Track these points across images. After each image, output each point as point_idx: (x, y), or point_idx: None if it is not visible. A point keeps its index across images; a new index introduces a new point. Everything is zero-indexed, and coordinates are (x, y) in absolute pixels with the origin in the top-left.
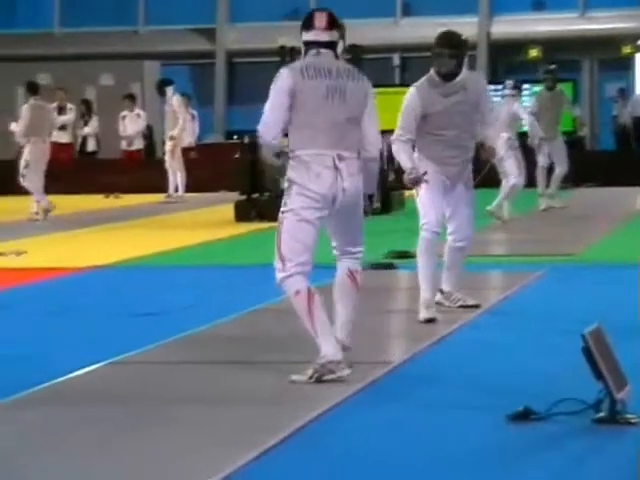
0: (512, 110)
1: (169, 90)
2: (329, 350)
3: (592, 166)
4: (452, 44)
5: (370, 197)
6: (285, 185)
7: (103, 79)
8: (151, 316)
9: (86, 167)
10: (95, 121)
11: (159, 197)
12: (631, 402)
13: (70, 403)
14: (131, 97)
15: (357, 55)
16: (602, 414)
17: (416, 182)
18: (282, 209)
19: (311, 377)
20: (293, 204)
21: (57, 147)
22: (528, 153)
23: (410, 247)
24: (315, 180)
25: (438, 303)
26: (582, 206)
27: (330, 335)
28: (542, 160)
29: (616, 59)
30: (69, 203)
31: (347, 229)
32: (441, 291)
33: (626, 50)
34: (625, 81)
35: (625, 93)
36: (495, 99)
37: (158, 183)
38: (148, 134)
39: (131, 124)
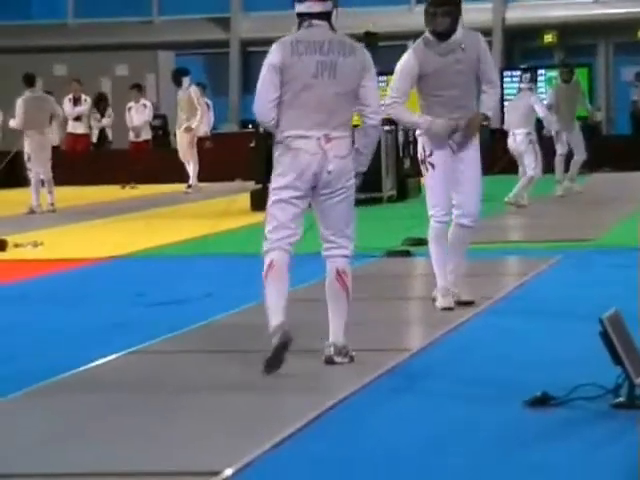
0: (529, 103)
1: (186, 80)
2: (270, 319)
3: (608, 151)
4: (445, 1)
5: (361, 174)
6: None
7: (118, 70)
8: (169, 305)
9: (102, 158)
10: (111, 112)
11: (174, 187)
12: None
13: (90, 391)
14: (138, 87)
15: (372, 42)
16: (621, 399)
17: (454, 131)
18: (270, 188)
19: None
20: (274, 183)
21: (73, 138)
22: (545, 142)
23: (426, 234)
24: (294, 161)
25: (434, 299)
26: (598, 191)
27: (275, 307)
28: (560, 148)
29: (631, 43)
30: (86, 194)
31: (334, 214)
32: None
33: None
34: None
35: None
36: (512, 86)
37: (171, 173)
38: (162, 124)
39: (137, 115)
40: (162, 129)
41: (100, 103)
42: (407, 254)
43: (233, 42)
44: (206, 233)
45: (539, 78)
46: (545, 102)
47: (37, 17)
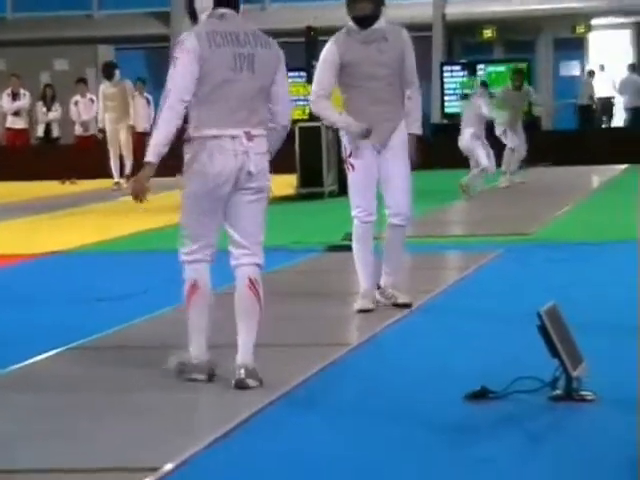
0: (478, 105)
1: (117, 74)
2: (192, 351)
3: (549, 145)
4: None
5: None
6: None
7: (58, 64)
8: (107, 302)
9: (43, 153)
10: (58, 106)
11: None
12: (587, 379)
13: (26, 390)
14: (84, 81)
15: (313, 37)
16: (558, 392)
17: (367, 134)
18: (182, 191)
19: (175, 368)
20: (189, 187)
21: (12, 133)
22: (496, 140)
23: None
24: (213, 163)
25: (377, 301)
26: (537, 185)
27: (198, 336)
28: (510, 142)
29: (570, 38)
30: (24, 190)
31: (249, 215)
32: (378, 287)
33: (580, 30)
34: (580, 60)
35: (593, 75)
36: (452, 80)
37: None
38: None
39: (86, 109)
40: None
41: (47, 95)
42: (348, 249)
43: (173, 37)
44: (148, 228)
45: (479, 73)
46: (492, 103)
47: None
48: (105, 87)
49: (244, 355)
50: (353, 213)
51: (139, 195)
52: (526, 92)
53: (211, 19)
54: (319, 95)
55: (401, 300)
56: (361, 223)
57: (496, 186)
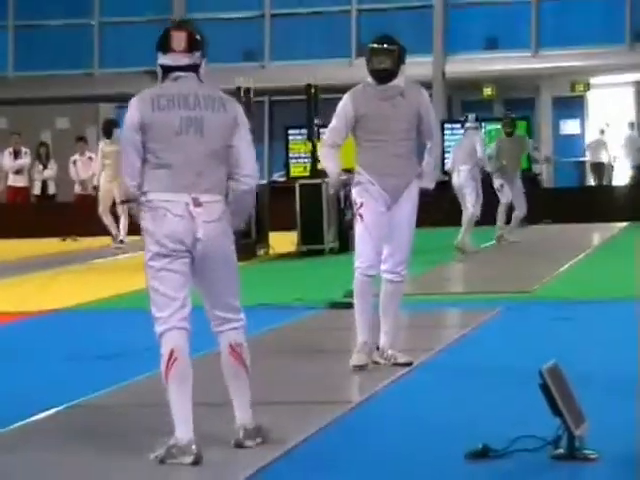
0: (473, 142)
1: (116, 132)
2: (177, 431)
3: (549, 203)
4: (388, 41)
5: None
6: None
7: (59, 122)
8: (108, 359)
9: (43, 211)
10: (54, 164)
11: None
12: (589, 438)
13: (25, 449)
14: (84, 140)
15: (313, 94)
16: (561, 450)
17: (345, 185)
18: (144, 261)
19: (156, 457)
20: (147, 254)
21: (13, 191)
22: (488, 191)
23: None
24: (159, 226)
25: (375, 362)
26: (537, 242)
27: (183, 413)
28: (505, 198)
29: (570, 97)
30: (25, 247)
31: (215, 288)
32: (377, 347)
33: (579, 88)
34: (579, 118)
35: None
36: (452, 137)
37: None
38: None
39: (84, 167)
40: None
41: (41, 154)
42: (349, 306)
43: None
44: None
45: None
46: (487, 151)
47: None
48: (104, 145)
49: (242, 415)
50: (356, 264)
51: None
52: (521, 139)
53: (165, 81)
54: (326, 144)
55: (401, 360)
56: (362, 276)
57: (493, 245)
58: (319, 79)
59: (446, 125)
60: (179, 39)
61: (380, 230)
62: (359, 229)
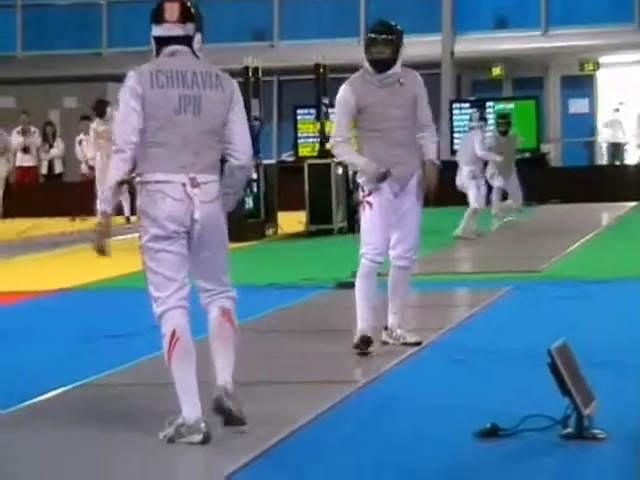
0: (473, 146)
1: (109, 111)
2: (184, 410)
3: (557, 183)
4: (386, 30)
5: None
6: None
7: (67, 102)
8: (117, 338)
9: (51, 190)
10: (60, 143)
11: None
12: (598, 418)
13: (37, 426)
14: (87, 119)
15: (322, 74)
16: (569, 430)
17: (384, 177)
18: (139, 243)
19: (165, 436)
20: (144, 236)
21: (21, 171)
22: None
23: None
24: (159, 209)
25: (384, 342)
26: (546, 222)
27: (189, 392)
28: (497, 182)
29: (579, 76)
30: (35, 226)
31: (209, 265)
32: (385, 327)
33: (588, 67)
34: (588, 98)
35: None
36: (461, 117)
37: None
38: None
39: (89, 147)
40: None
41: (47, 133)
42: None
43: None
44: None
45: (488, 110)
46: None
47: None
48: (97, 124)
49: (224, 377)
50: (362, 251)
51: (104, 250)
52: (513, 137)
53: (161, 56)
54: (337, 141)
55: (410, 339)
56: (370, 262)
57: (490, 230)
58: (328, 58)
59: (454, 105)
60: (172, 9)
61: (388, 217)
62: (367, 216)
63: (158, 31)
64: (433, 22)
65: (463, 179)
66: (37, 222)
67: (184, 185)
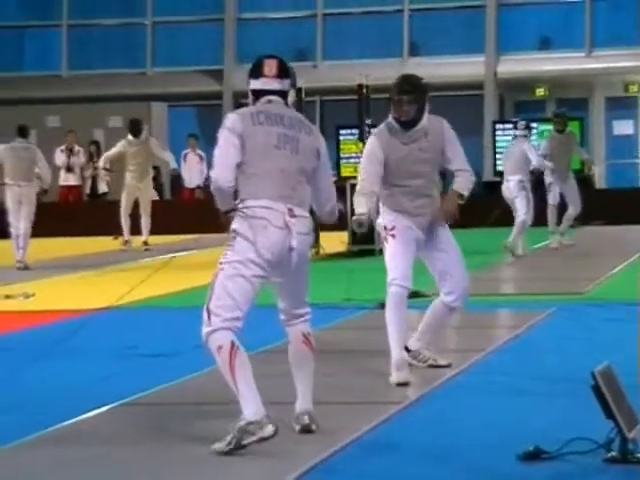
0: (523, 150)
1: (144, 130)
2: (249, 410)
3: (601, 204)
4: (411, 89)
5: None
6: (230, 235)
7: (112, 121)
8: (159, 357)
9: (96, 209)
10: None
11: (167, 238)
12: None
13: (80, 445)
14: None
15: (364, 95)
16: (613, 453)
17: (360, 224)
18: (221, 260)
19: (229, 443)
20: (234, 257)
21: (66, 190)
22: (540, 191)
23: (420, 286)
24: (261, 235)
25: (410, 364)
26: (591, 244)
27: (251, 393)
28: (552, 199)
29: (623, 97)
30: (78, 245)
31: (294, 290)
32: (407, 349)
33: (633, 88)
34: (634, 119)
35: None
36: (504, 138)
37: (167, 224)
38: (156, 175)
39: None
40: (155, 179)
41: (92, 152)
42: None
43: (226, 94)
44: (201, 284)
45: (532, 131)
46: (539, 152)
47: (30, 69)
48: (128, 144)
49: (305, 402)
50: (390, 277)
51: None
52: (571, 134)
53: (258, 104)
54: (361, 193)
55: (442, 362)
56: (399, 287)
57: (547, 246)
58: (371, 79)
59: (497, 126)
60: (271, 65)
61: (411, 245)
62: (392, 246)
63: (256, 84)
64: (477, 43)
65: (511, 189)
66: (80, 241)
67: (284, 215)
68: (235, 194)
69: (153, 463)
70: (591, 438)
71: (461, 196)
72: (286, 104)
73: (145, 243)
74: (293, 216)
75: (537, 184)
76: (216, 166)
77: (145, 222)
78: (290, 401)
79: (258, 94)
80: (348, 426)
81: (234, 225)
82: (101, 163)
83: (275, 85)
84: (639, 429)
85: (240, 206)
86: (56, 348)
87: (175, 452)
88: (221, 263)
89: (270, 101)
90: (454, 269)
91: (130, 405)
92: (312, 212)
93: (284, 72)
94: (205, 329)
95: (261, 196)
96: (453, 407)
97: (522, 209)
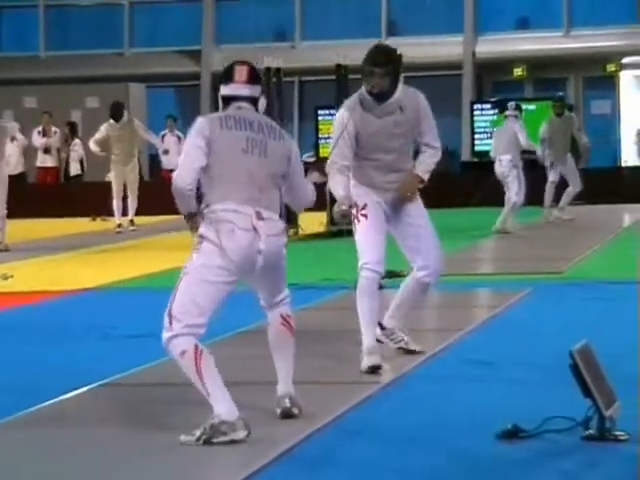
0: (513, 130)
1: (125, 113)
2: (222, 409)
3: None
4: (384, 60)
5: None
6: (196, 240)
7: (89, 102)
8: (143, 337)
9: (73, 190)
10: (77, 144)
11: (147, 219)
12: (620, 419)
13: (62, 426)
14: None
15: (343, 75)
16: (591, 431)
17: (344, 216)
18: (186, 264)
19: (199, 439)
20: (199, 261)
21: (42, 171)
22: (536, 171)
23: (396, 267)
24: (228, 239)
25: (377, 340)
26: (570, 223)
27: (223, 393)
28: (552, 176)
29: (601, 77)
30: (55, 227)
31: (269, 286)
32: (381, 326)
33: (611, 68)
34: (611, 99)
35: None
36: (482, 118)
37: (149, 206)
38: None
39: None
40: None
41: (68, 133)
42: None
43: (204, 75)
44: (178, 265)
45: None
46: (539, 135)
47: (7, 49)
48: (111, 128)
49: (286, 385)
50: (361, 262)
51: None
52: (569, 117)
53: (228, 110)
54: (334, 168)
55: (413, 346)
56: (370, 272)
57: (539, 222)
58: (349, 59)
59: (475, 106)
60: (241, 71)
61: (382, 225)
62: (363, 227)
63: (226, 90)
64: (455, 23)
65: (503, 168)
66: (57, 222)
67: (251, 218)
68: (199, 198)
69: (133, 445)
70: (569, 416)
71: (422, 180)
72: (256, 110)
73: (131, 222)
74: (261, 219)
75: (530, 164)
76: (179, 168)
77: (132, 202)
78: (268, 381)
79: (229, 100)
80: (326, 408)
81: (201, 230)
82: (93, 147)
83: (245, 91)
84: (616, 407)
85: (206, 210)
86: (36, 329)
87: (154, 435)
88: (186, 267)
89: (240, 107)
90: (426, 244)
91: (112, 385)
92: (288, 209)
93: (254, 78)
94: (166, 334)
95: (228, 199)
96: (430, 388)
97: (514, 189)
